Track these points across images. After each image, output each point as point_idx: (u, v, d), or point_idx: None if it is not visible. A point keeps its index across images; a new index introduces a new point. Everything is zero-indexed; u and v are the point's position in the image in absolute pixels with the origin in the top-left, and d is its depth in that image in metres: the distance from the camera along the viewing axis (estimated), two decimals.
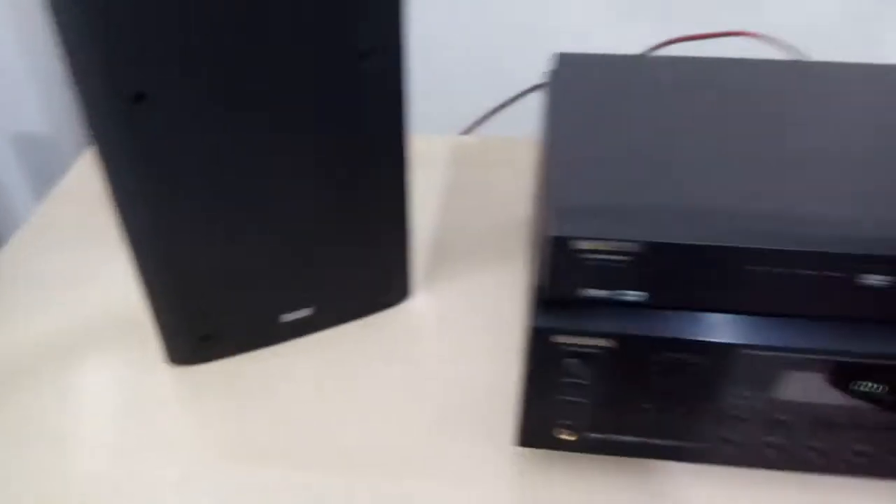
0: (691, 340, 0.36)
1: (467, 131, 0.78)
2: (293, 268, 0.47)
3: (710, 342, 0.36)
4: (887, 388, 0.37)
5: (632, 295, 0.35)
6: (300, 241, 0.46)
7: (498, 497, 0.44)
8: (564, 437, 0.43)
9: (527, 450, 0.45)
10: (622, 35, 0.62)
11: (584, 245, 0.33)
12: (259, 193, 0.43)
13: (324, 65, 0.39)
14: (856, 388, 0.37)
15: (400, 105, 0.43)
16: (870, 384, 0.37)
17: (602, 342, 0.37)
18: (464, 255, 0.60)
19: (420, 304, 0.56)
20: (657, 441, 0.42)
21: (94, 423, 0.47)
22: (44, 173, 0.93)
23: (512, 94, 0.69)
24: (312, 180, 0.44)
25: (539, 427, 0.43)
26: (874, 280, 0.33)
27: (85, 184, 0.68)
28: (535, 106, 0.56)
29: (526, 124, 0.61)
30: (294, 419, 0.47)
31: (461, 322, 0.54)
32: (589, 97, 0.44)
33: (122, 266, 0.57)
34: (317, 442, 0.46)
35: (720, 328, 0.36)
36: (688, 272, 0.34)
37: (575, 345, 0.38)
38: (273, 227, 0.45)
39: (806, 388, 0.38)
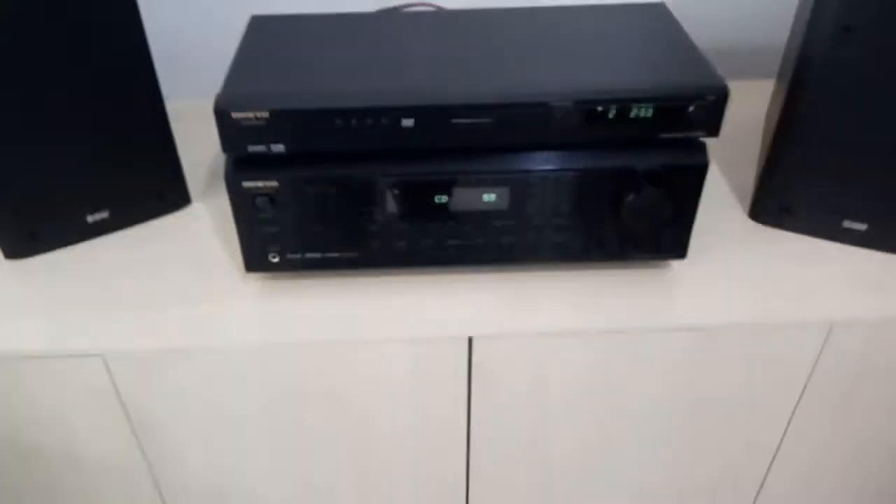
0: (326, 174, 0.60)
1: None
2: (86, 179, 0.69)
3: (335, 174, 0.60)
4: (449, 198, 0.62)
5: (276, 147, 0.58)
6: (86, 159, 0.68)
7: (239, 307, 0.66)
8: (273, 259, 0.66)
9: (258, 274, 0.68)
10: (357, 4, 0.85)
11: (235, 115, 0.56)
12: (50, 127, 0.65)
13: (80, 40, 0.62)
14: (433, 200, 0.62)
15: (145, 63, 0.67)
16: (443, 197, 0.62)
17: (269, 183, 0.61)
18: None
19: (197, 208, 0.78)
20: (335, 255, 0.66)
21: None
22: None
23: None
24: (90, 117, 0.66)
25: (255, 255, 0.66)
26: (407, 122, 0.58)
27: None
28: None
29: None
30: (104, 287, 0.69)
31: (227, 217, 0.76)
32: (268, 41, 0.67)
33: None
34: (121, 298, 0.68)
35: (340, 165, 0.60)
36: (305, 128, 0.58)
37: (255, 188, 0.61)
38: (64, 150, 0.67)
39: (404, 201, 0.62)
